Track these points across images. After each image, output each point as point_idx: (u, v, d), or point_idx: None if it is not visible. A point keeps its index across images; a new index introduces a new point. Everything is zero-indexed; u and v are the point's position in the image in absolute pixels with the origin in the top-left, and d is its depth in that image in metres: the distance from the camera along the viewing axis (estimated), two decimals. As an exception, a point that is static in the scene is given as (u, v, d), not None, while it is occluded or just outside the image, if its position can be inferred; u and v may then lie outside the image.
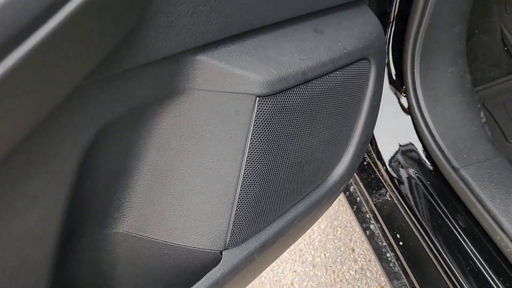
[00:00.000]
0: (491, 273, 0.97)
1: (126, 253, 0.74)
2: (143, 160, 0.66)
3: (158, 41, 0.52)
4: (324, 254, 1.79)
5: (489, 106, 1.40)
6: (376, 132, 1.18)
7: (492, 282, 0.96)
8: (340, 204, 1.93)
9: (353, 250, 1.80)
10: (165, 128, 0.63)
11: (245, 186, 0.68)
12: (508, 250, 0.95)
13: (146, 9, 0.48)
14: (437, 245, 1.05)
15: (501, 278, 0.96)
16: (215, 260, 0.73)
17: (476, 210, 1.04)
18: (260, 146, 0.66)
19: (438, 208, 1.11)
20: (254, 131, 0.64)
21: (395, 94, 1.20)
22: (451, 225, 1.07)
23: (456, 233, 1.05)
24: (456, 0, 1.07)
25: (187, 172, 0.66)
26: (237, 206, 0.69)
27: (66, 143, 0.52)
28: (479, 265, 0.98)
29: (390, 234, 1.18)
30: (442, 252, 1.04)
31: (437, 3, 1.05)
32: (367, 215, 1.31)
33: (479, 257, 1.00)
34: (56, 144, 0.51)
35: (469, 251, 1.02)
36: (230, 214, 0.70)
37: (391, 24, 1.15)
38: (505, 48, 1.48)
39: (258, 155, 0.67)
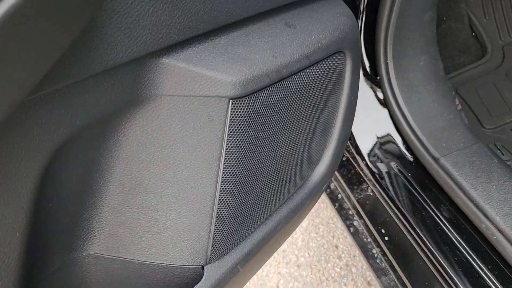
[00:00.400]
0: (479, 262, 0.95)
1: (99, 277, 0.69)
2: (111, 175, 0.60)
3: (117, 44, 0.46)
4: (308, 253, 1.76)
5: (462, 93, 1.39)
6: (354, 126, 1.15)
7: (480, 271, 0.95)
8: (320, 201, 1.91)
9: (336, 246, 1.78)
10: (132, 139, 0.58)
11: (223, 195, 0.64)
12: (494, 237, 0.93)
13: (98, 9, 0.43)
14: (423, 237, 1.03)
15: (489, 267, 0.94)
16: (197, 276, 0.68)
17: (459, 199, 1.02)
18: (237, 151, 0.61)
19: (421, 200, 1.09)
20: (229, 136, 0.59)
21: (370, 87, 1.17)
22: (435, 216, 1.05)
23: (441, 224, 1.04)
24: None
25: (160, 185, 0.61)
26: (217, 217, 0.64)
27: (20, 166, 0.46)
28: (467, 255, 0.97)
29: (375, 229, 1.16)
30: (428, 244, 1.03)
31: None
32: (350, 212, 1.29)
33: (466, 247, 0.99)
34: (8, 167, 0.45)
35: (456, 241, 1.00)
36: (209, 226, 0.65)
37: (361, 15, 1.13)
38: (473, 34, 1.48)
39: (235, 161, 0.62)
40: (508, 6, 1.52)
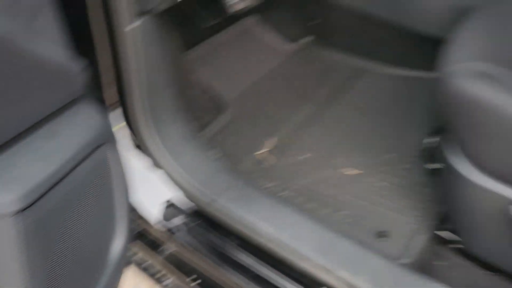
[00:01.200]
0: (267, 270, 1.19)
1: None
2: None
3: None
4: (139, 331, 1.76)
5: (217, 143, 1.69)
6: (137, 197, 1.27)
7: (270, 275, 1.19)
8: (135, 276, 1.93)
9: (163, 311, 1.83)
10: None
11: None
12: (270, 246, 1.18)
13: None
14: (224, 269, 1.23)
15: (275, 270, 1.19)
16: None
17: (240, 226, 1.24)
18: (35, 263, 0.66)
19: (215, 239, 1.28)
20: (23, 250, 0.64)
21: (144, 157, 1.32)
22: (230, 247, 1.25)
23: (236, 251, 1.24)
24: (160, 71, 1.26)
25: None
26: None
27: None
28: (258, 269, 1.20)
29: (187, 277, 1.30)
30: (230, 272, 1.22)
31: (147, 75, 1.21)
32: (161, 273, 1.40)
33: (257, 262, 1.22)
34: None
35: (248, 261, 1.23)
36: None
37: (118, 103, 1.27)
38: (210, 96, 1.84)
39: (39, 271, 0.67)
40: (230, 69, 1.95)
